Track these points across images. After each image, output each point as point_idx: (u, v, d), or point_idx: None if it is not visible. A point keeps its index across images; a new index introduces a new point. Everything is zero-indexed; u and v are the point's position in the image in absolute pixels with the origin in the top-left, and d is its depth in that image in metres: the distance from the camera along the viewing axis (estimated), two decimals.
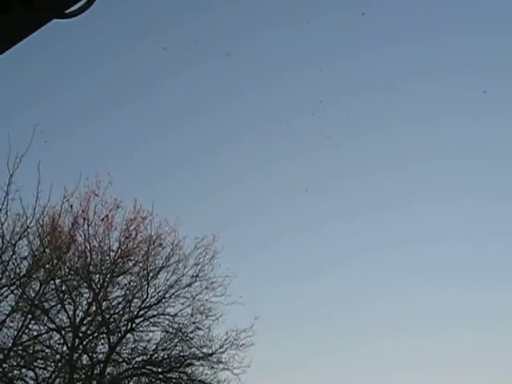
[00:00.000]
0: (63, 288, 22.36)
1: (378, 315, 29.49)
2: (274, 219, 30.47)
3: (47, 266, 21.61)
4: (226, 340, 22.92)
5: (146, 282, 22.86)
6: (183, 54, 29.26)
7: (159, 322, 23.12)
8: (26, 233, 20.93)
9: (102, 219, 22.89)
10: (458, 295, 29.73)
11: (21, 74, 27.22)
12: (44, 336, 22.16)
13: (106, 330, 22.62)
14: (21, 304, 21.33)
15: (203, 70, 28.21)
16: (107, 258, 22.87)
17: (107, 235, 22.95)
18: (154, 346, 23.04)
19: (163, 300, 22.94)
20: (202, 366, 23.20)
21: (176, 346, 23.13)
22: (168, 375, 23.24)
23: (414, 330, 29.79)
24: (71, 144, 29.18)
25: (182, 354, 23.15)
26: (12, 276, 20.90)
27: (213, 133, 31.47)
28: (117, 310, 23.02)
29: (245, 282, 26.17)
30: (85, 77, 29.15)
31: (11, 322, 21.29)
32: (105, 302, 22.96)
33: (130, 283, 23.10)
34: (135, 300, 22.90)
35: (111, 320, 22.82)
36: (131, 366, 23.07)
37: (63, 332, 22.16)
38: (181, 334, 23.07)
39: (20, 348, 21.45)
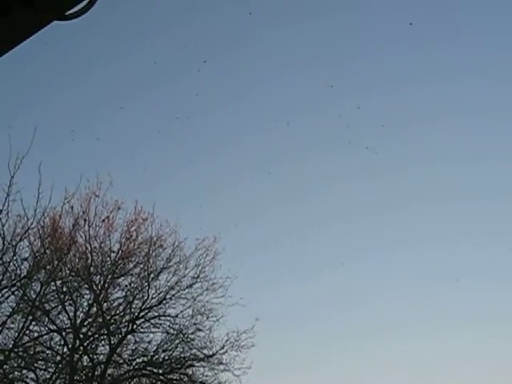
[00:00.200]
0: (64, 289, 22.33)
1: (378, 316, 29.53)
2: (274, 220, 30.52)
3: (48, 267, 21.58)
4: (226, 341, 22.91)
5: (146, 284, 22.85)
6: (183, 55, 29.29)
7: (160, 324, 23.12)
8: (26, 234, 20.91)
9: (103, 220, 22.89)
10: (458, 295, 29.74)
11: (22, 76, 27.29)
12: (45, 337, 22.14)
13: (106, 332, 22.60)
14: (21, 305, 21.30)
15: (203, 71, 28.20)
16: (108, 259, 22.87)
17: (108, 236, 22.97)
18: (155, 348, 23.03)
19: (164, 301, 22.92)
20: (203, 367, 23.19)
21: (177, 347, 23.11)
22: (169, 376, 23.22)
23: (415, 331, 29.82)
24: (72, 145, 29.19)
25: (182, 355, 23.13)
26: (13, 277, 20.87)
27: (213, 134, 31.48)
28: (117, 312, 23.00)
29: (246, 283, 26.21)
30: (86, 78, 29.23)
31: (12, 323, 21.28)
32: (105, 304, 22.93)
33: (130, 284, 23.10)
34: (136, 301, 22.90)
35: (112, 321, 22.79)
36: (132, 368, 23.05)
37: (64, 333, 22.13)
38: (181, 336, 23.05)
39: (21, 349, 21.42)
